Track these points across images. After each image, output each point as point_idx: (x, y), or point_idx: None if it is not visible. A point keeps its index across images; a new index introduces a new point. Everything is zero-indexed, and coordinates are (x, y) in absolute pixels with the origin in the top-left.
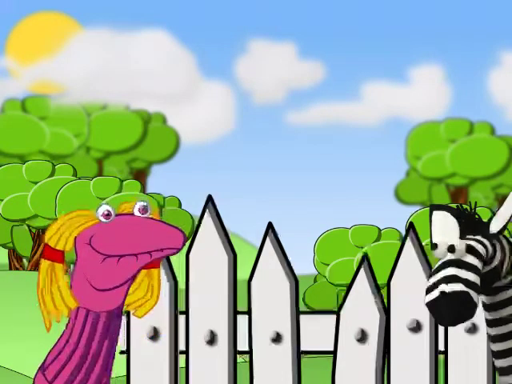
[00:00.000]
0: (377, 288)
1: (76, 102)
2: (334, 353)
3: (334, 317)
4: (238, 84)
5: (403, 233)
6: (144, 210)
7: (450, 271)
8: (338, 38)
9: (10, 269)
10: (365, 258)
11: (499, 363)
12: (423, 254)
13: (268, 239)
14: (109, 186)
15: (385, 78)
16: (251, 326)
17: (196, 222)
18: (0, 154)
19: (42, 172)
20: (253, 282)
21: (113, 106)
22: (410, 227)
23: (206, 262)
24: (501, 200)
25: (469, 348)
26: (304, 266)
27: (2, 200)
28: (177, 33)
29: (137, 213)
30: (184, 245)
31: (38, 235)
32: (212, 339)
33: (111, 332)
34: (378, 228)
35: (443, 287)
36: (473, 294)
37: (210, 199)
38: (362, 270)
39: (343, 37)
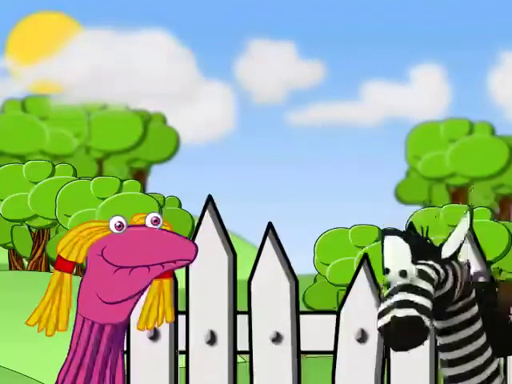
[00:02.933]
0: (377, 287)
1: (76, 102)
2: (334, 353)
3: (333, 317)
4: (238, 84)
5: None
6: (156, 221)
7: (402, 296)
8: (338, 38)
9: (10, 269)
10: (365, 258)
11: None
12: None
13: (268, 239)
14: (109, 186)
15: (385, 78)
16: (251, 326)
17: (196, 222)
18: (0, 154)
19: (42, 172)
20: (253, 282)
21: (113, 106)
22: (410, 227)
23: (206, 261)
24: (501, 200)
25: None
26: (304, 266)
27: (1, 200)
28: (177, 33)
29: (149, 224)
30: (196, 256)
31: (37, 235)
32: (212, 339)
33: (116, 343)
34: (378, 228)
35: (395, 312)
36: (425, 318)
37: (209, 199)
38: (361, 270)
39: (343, 37)
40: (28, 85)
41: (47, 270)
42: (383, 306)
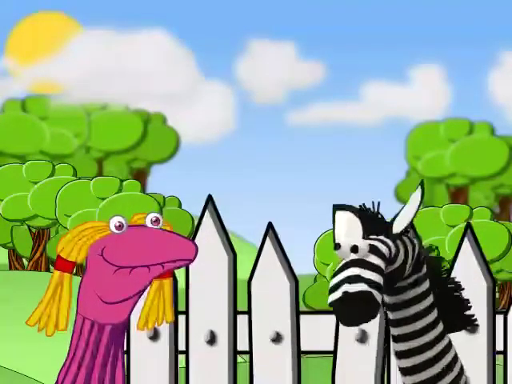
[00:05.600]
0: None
1: (76, 101)
2: (334, 353)
3: (334, 317)
4: (238, 84)
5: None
6: (156, 221)
7: (353, 271)
8: (338, 38)
9: (10, 269)
10: None
11: (402, 363)
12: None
13: (268, 239)
14: (109, 186)
15: (385, 78)
16: (251, 325)
17: (196, 222)
18: (0, 154)
19: (42, 172)
20: (253, 282)
21: (113, 105)
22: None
23: (206, 261)
24: (501, 200)
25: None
26: (304, 266)
27: (1, 200)
28: (177, 33)
29: (149, 224)
30: (196, 256)
31: (37, 235)
32: (212, 339)
33: (116, 344)
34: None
35: (346, 287)
36: (376, 293)
37: (209, 199)
38: None
39: (343, 37)
40: (28, 85)
41: (47, 270)
42: (334, 281)
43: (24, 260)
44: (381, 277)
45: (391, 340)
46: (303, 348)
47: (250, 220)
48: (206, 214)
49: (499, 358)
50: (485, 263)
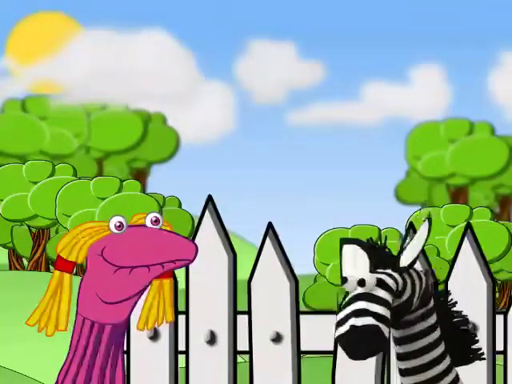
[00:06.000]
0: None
1: (76, 101)
2: (334, 353)
3: (333, 317)
4: (238, 84)
5: (403, 233)
6: (156, 221)
7: (360, 305)
8: (338, 38)
9: (10, 269)
10: None
11: None
12: (423, 253)
13: (268, 239)
14: (109, 186)
15: (385, 78)
16: (251, 325)
17: (196, 222)
18: (0, 154)
19: (42, 172)
20: (253, 282)
21: (113, 105)
22: (410, 227)
23: (206, 261)
24: (501, 200)
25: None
26: (304, 266)
27: (1, 200)
28: (177, 33)
29: (149, 224)
30: (196, 256)
31: (37, 235)
32: (212, 339)
33: (116, 343)
34: (378, 228)
35: (353, 321)
36: (383, 327)
37: (209, 199)
38: None
39: (343, 37)
40: (28, 85)
41: (47, 270)
42: (341, 315)
43: (24, 260)
44: (388, 310)
45: (398, 373)
46: (303, 348)
47: (250, 220)
48: (206, 214)
49: (499, 358)
50: (485, 263)
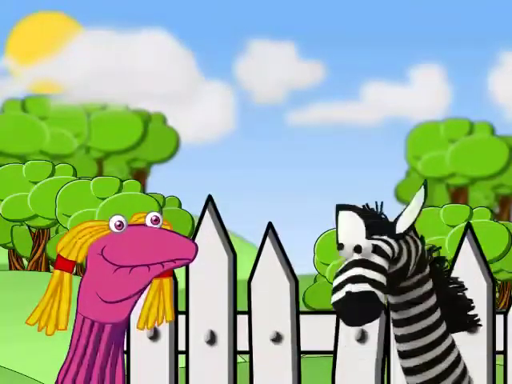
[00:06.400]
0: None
1: (76, 101)
2: (334, 353)
3: (333, 317)
4: (238, 84)
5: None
6: (156, 220)
7: (356, 271)
8: (338, 38)
9: (10, 269)
10: None
11: (406, 363)
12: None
13: (268, 239)
14: (109, 186)
15: (385, 78)
16: (251, 325)
17: (196, 222)
18: (0, 154)
19: (42, 172)
20: (253, 282)
21: (113, 105)
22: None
23: (206, 261)
24: (501, 200)
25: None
26: (304, 266)
27: (1, 200)
28: (177, 33)
29: (149, 223)
30: (195, 255)
31: (37, 235)
32: (212, 339)
33: (116, 343)
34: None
35: (349, 287)
36: (379, 293)
37: (209, 199)
38: None
39: (343, 37)
40: (28, 85)
41: (47, 270)
42: (337, 281)
43: (24, 260)
44: (384, 277)
45: (395, 340)
46: (303, 348)
47: (250, 220)
48: (206, 214)
49: (499, 358)
50: (485, 263)
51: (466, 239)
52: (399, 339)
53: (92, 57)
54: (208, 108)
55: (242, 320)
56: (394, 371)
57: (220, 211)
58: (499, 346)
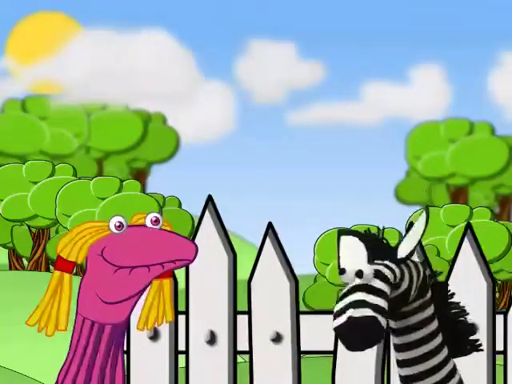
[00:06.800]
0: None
1: (76, 102)
2: (334, 353)
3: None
4: (238, 84)
5: (403, 233)
6: (156, 221)
7: (358, 296)
8: (337, 38)
9: (10, 269)
10: None
11: None
12: (423, 253)
13: (268, 239)
14: (109, 186)
15: (385, 78)
16: (251, 325)
17: (196, 222)
18: (0, 154)
19: (42, 172)
20: (253, 282)
21: (113, 105)
22: (410, 227)
23: (206, 261)
24: (501, 200)
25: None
26: (304, 266)
27: (1, 200)
28: (177, 33)
29: (149, 224)
30: (196, 256)
31: (37, 235)
32: (212, 339)
33: (116, 343)
34: (378, 228)
35: (351, 312)
36: (381, 318)
37: (209, 199)
38: None
39: (343, 37)
40: (28, 85)
41: (47, 270)
42: (339, 306)
43: (24, 260)
44: (385, 301)
45: (396, 365)
46: (303, 348)
47: (250, 220)
48: (206, 213)
49: (499, 358)
50: (485, 263)
51: (466, 239)
52: (401, 364)
53: (92, 57)
54: (208, 108)
55: (242, 320)
56: (394, 371)
57: (220, 211)
58: (499, 346)
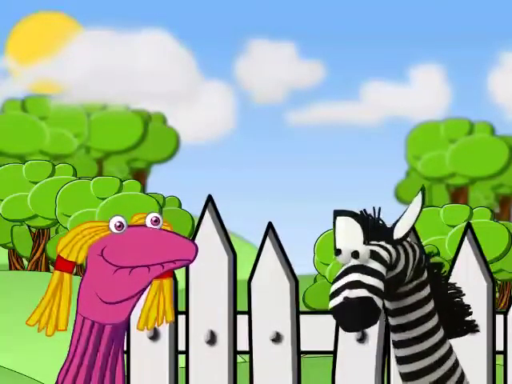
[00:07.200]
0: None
1: (76, 102)
2: (334, 353)
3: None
4: (238, 84)
5: None
6: (156, 221)
7: (354, 277)
8: (337, 38)
9: (10, 269)
10: None
11: (403, 369)
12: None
13: (268, 239)
14: (109, 186)
15: (385, 78)
16: (251, 325)
17: (196, 222)
18: (0, 154)
19: (42, 172)
20: (253, 282)
21: (113, 105)
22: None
23: (206, 261)
24: (501, 200)
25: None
26: (304, 266)
27: (1, 200)
28: (177, 33)
29: (149, 224)
30: (196, 256)
31: (38, 235)
32: (212, 339)
33: (116, 343)
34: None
35: (346, 293)
36: (376, 299)
37: (209, 199)
38: None
39: (343, 37)
40: (28, 85)
41: (47, 270)
42: (335, 287)
43: (24, 260)
44: (381, 282)
45: (392, 345)
46: (303, 348)
47: (250, 220)
48: (206, 214)
49: (499, 358)
50: (485, 263)
51: (465, 239)
52: (396, 345)
53: (92, 57)
54: (208, 108)
55: (242, 320)
56: (394, 371)
57: (220, 211)
58: (499, 346)
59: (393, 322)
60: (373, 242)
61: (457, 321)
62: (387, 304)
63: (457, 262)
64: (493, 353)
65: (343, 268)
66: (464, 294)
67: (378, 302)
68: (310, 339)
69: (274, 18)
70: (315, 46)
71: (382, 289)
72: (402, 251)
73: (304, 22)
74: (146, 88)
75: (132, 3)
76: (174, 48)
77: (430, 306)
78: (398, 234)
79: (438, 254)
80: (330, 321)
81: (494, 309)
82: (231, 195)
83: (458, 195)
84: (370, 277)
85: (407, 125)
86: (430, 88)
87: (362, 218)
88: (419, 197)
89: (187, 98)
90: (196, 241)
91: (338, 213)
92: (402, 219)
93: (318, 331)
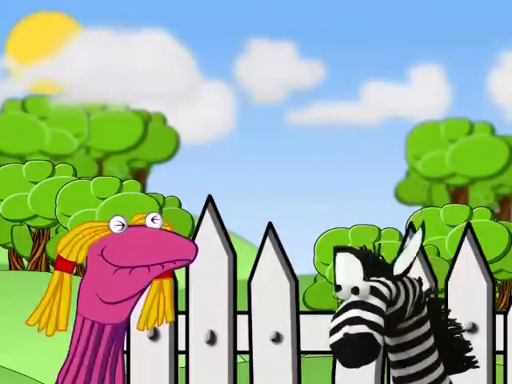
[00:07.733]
0: None
1: (76, 102)
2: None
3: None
4: (238, 84)
5: (403, 233)
6: (156, 221)
7: (354, 313)
8: (337, 38)
9: (10, 269)
10: None
11: None
12: (423, 253)
13: (268, 239)
14: (109, 186)
15: (385, 78)
16: (251, 325)
17: (196, 222)
18: (0, 154)
19: (42, 172)
20: (253, 282)
21: (113, 105)
22: (410, 227)
23: (206, 261)
24: (501, 200)
25: None
26: (304, 266)
27: (1, 200)
28: (177, 33)
29: (149, 224)
30: (196, 256)
31: (38, 235)
32: (212, 339)
33: (116, 343)
34: (378, 228)
35: (347, 329)
36: (376, 335)
37: (209, 199)
38: None
39: (343, 37)
40: (28, 85)
41: (47, 270)
42: (335, 323)
43: (24, 260)
44: (381, 318)
45: (393, 382)
46: (303, 348)
47: (250, 220)
48: (206, 214)
49: (499, 358)
50: (485, 263)
51: (465, 239)
52: (397, 381)
53: (92, 57)
54: (208, 108)
55: (242, 320)
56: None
57: (220, 211)
58: (499, 346)
59: (393, 358)
60: (373, 278)
61: (457, 357)
62: (387, 340)
63: (457, 262)
64: (493, 353)
65: (343, 304)
66: (464, 330)
67: (378, 338)
68: (310, 339)
69: (274, 18)
70: (315, 45)
71: (382, 325)
72: (402, 287)
73: (304, 21)
74: (146, 88)
75: (132, 3)
76: (174, 48)
77: (430, 341)
78: (398, 270)
79: (437, 290)
80: (329, 321)
81: (494, 309)
82: (231, 195)
83: (458, 195)
84: (370, 313)
85: (407, 125)
86: (430, 88)
87: (362, 254)
88: (419, 232)
89: (187, 97)
90: (196, 241)
91: (337, 249)
92: (402, 255)
93: (318, 331)
